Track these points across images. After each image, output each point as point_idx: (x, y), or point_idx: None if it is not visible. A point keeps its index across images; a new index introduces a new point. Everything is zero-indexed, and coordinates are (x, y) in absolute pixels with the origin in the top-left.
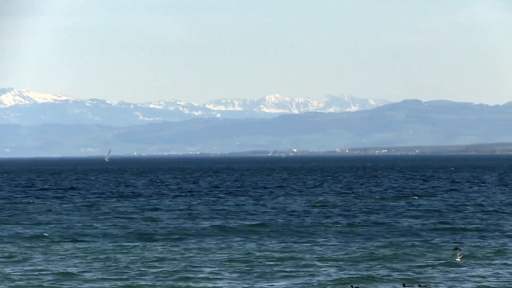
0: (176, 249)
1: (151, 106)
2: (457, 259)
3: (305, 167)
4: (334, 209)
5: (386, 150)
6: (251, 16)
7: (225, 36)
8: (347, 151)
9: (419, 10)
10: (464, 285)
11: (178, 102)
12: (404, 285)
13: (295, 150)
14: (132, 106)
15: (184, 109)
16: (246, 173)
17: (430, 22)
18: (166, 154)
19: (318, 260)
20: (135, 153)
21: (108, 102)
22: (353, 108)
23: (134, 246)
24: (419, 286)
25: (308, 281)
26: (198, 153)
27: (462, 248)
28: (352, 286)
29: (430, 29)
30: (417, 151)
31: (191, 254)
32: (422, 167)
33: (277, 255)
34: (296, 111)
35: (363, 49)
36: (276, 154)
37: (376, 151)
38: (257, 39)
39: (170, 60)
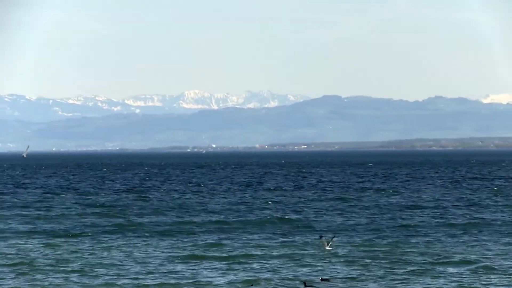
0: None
1: (70, 101)
2: (327, 248)
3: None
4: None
5: (305, 146)
6: (171, 12)
7: (144, 32)
8: (266, 146)
9: (339, 6)
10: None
11: (97, 98)
12: (305, 283)
13: (214, 146)
14: (51, 101)
15: (103, 104)
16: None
17: (350, 18)
18: (84, 149)
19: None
20: (54, 149)
21: (27, 97)
22: (273, 104)
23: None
24: (321, 279)
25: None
26: (117, 148)
27: (327, 236)
28: (305, 284)
29: (350, 25)
30: (336, 147)
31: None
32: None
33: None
34: (215, 107)
35: (283, 44)
36: (196, 150)
37: (296, 147)
38: (176, 35)
39: (89, 55)
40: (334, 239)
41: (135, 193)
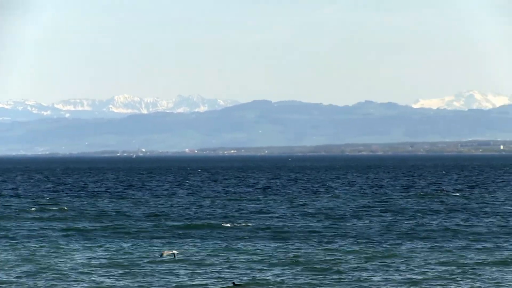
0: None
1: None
2: (164, 255)
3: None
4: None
5: (235, 151)
6: (101, 15)
7: (74, 35)
8: (196, 151)
9: (268, 9)
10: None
11: (26, 102)
12: (233, 283)
13: (143, 150)
14: None
15: (33, 108)
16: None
17: (279, 22)
18: (14, 154)
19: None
20: None
21: None
22: (203, 108)
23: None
24: (233, 284)
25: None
26: (47, 153)
27: (173, 248)
28: (234, 283)
29: (280, 29)
30: (266, 151)
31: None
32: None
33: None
34: (145, 111)
35: (213, 48)
36: (126, 154)
37: (226, 152)
38: (105, 39)
39: (18, 59)
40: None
41: None
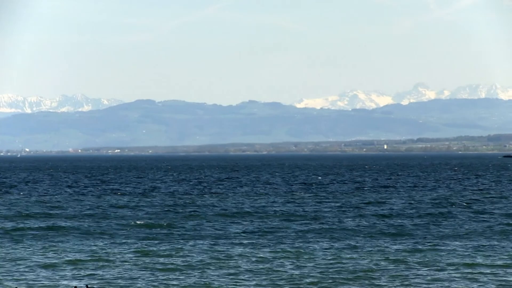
0: None
1: None
2: None
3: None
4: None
5: (119, 150)
6: None
7: None
8: (79, 151)
9: (151, 10)
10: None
11: None
12: (87, 286)
13: (27, 150)
14: None
15: None
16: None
17: (159, 22)
18: None
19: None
20: None
21: None
22: (86, 108)
23: None
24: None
25: None
26: None
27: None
28: (87, 286)
29: (161, 28)
30: (150, 151)
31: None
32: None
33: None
34: (29, 111)
35: (96, 48)
36: (9, 154)
37: (109, 151)
38: None
39: None
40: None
41: None
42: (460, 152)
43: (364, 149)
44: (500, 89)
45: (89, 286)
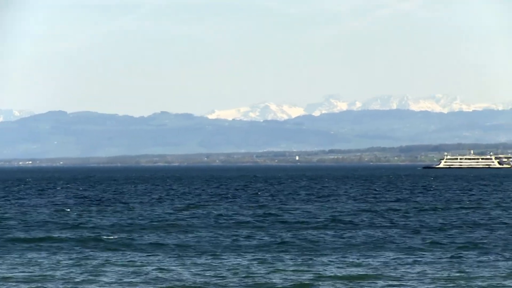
0: None
1: None
2: None
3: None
4: None
5: (30, 162)
6: None
7: None
8: None
9: (61, 21)
10: None
11: None
12: None
13: None
14: None
15: None
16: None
17: (84, 29)
18: None
19: None
20: None
21: None
22: None
23: None
24: None
25: None
26: None
27: None
28: None
29: (75, 38)
30: (61, 162)
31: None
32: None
33: None
34: None
35: (6, 57)
36: None
37: (21, 163)
38: None
39: None
40: None
41: None
42: (371, 163)
43: (276, 160)
44: (411, 100)
45: None
